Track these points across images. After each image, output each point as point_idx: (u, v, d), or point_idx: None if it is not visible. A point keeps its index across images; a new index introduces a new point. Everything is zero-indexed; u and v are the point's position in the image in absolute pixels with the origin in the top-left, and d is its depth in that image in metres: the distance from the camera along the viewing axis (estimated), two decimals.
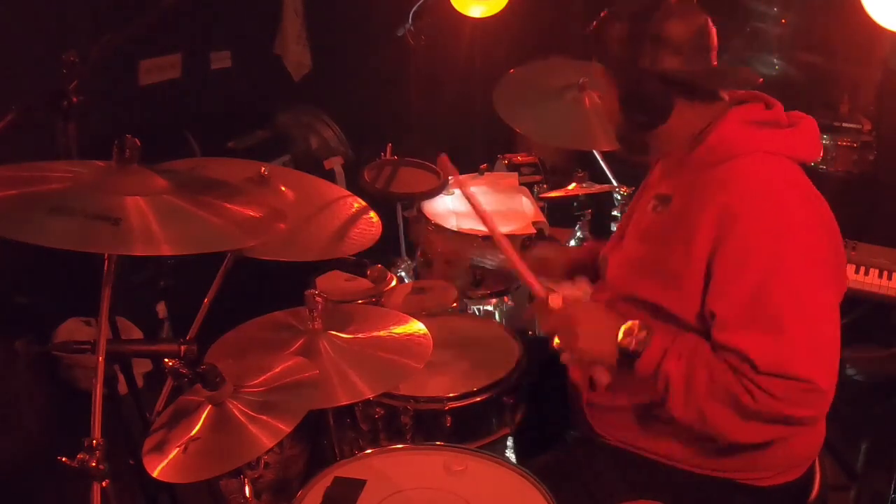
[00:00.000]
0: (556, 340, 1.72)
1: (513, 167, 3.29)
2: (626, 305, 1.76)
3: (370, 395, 1.79)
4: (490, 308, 2.77)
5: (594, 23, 1.74)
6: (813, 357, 1.50)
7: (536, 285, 1.78)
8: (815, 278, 1.56)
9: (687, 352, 1.59)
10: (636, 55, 1.65)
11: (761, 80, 1.71)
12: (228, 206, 1.59)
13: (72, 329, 2.89)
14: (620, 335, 1.63)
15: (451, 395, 1.99)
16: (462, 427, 2.00)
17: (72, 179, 1.50)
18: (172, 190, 1.53)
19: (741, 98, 1.74)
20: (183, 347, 1.53)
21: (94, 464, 1.39)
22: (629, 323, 1.64)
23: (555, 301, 1.73)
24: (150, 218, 1.42)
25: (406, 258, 3.11)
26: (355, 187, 2.58)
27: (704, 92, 1.71)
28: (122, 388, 1.85)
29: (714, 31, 1.69)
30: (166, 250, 1.39)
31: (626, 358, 1.63)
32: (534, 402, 2.13)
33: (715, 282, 1.58)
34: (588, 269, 2.09)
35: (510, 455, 2.09)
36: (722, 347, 1.56)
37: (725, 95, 1.73)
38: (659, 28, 1.63)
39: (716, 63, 1.71)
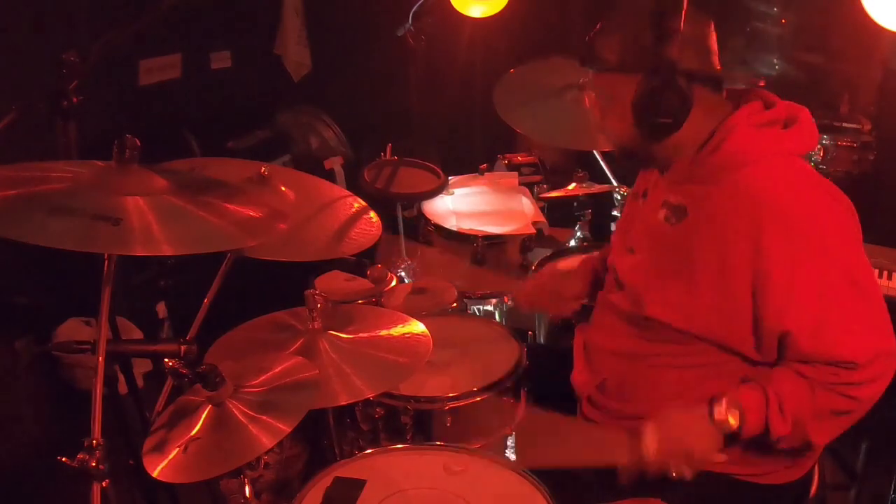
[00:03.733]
0: (674, 472, 1.63)
1: (513, 167, 3.30)
2: (630, 327, 1.77)
3: (370, 395, 1.79)
4: (490, 308, 2.77)
5: (597, 26, 1.70)
6: (888, 327, 1.59)
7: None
8: (861, 260, 1.63)
9: (787, 402, 1.59)
10: (662, 50, 1.60)
11: (763, 82, 1.71)
12: (228, 206, 1.59)
13: (72, 329, 2.89)
14: (714, 419, 1.61)
15: (451, 395, 1.99)
16: (462, 427, 2.00)
17: (72, 179, 1.50)
18: (172, 190, 1.53)
19: (739, 97, 1.73)
20: (183, 347, 1.53)
21: (94, 464, 1.39)
22: (716, 404, 1.62)
23: (650, 437, 1.64)
24: (150, 218, 1.42)
25: (406, 258, 3.11)
26: (355, 187, 2.58)
27: (719, 90, 1.70)
28: (122, 388, 1.85)
29: (714, 35, 1.69)
30: (166, 250, 1.39)
31: (730, 434, 1.62)
32: (535, 402, 2.12)
33: (774, 300, 1.58)
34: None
35: (510, 455, 2.09)
36: (814, 361, 1.58)
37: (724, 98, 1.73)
38: (681, 25, 1.60)
39: (719, 66, 1.70)
